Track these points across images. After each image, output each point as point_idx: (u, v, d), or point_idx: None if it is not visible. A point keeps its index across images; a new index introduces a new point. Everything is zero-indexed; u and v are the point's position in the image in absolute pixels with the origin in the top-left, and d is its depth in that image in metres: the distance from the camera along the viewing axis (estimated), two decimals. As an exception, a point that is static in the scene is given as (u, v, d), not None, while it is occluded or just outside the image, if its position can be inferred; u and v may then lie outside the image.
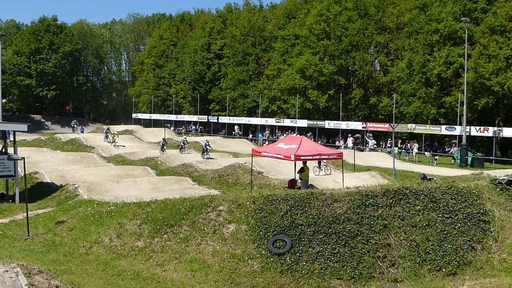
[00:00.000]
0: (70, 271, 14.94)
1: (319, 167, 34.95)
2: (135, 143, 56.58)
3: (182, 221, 17.94)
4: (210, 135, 71.86)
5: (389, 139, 52.57)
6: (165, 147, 47.75)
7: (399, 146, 51.74)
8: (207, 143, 42.97)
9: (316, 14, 63.68)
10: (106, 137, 56.05)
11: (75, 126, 76.84)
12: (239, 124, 73.85)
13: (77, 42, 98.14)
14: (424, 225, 15.83)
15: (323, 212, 16.38)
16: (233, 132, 73.39)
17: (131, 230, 18.48)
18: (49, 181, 31.28)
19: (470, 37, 47.38)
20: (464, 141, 45.02)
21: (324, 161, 33.93)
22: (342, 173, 30.68)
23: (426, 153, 51.26)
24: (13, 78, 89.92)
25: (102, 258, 17.00)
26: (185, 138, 52.31)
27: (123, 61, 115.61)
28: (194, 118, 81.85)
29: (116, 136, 55.75)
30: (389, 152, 48.87)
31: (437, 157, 47.79)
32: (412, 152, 49.65)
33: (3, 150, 28.42)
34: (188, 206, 18.55)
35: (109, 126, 56.79)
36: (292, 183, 28.68)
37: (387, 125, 54.45)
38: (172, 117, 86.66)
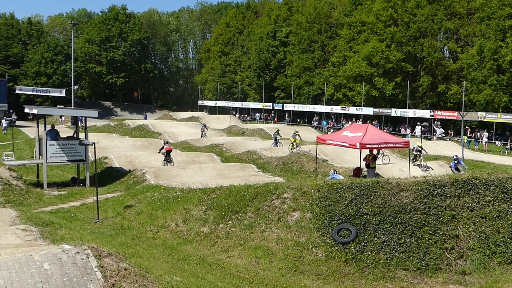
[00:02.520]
0: (137, 254, 15.29)
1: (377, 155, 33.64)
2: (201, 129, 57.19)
3: (246, 208, 18.05)
4: (275, 123, 71.89)
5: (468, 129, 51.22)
6: (204, 132, 48.18)
7: (468, 135, 50.31)
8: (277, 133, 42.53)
9: (384, 0, 62.43)
10: (202, 135, 49.35)
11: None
12: (302, 112, 73.58)
13: (145, 30, 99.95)
14: (494, 216, 15.37)
15: (389, 202, 16.15)
16: (298, 120, 73.10)
17: (196, 215, 18.73)
18: (118, 166, 32.08)
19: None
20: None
21: (382, 150, 32.61)
22: (408, 162, 30.11)
23: (497, 142, 49.60)
24: (84, 66, 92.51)
25: (169, 243, 17.32)
26: (278, 129, 45.54)
27: (190, 49, 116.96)
28: (259, 105, 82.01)
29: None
30: (458, 141, 47.63)
31: (508, 147, 46.20)
32: (481, 141, 48.20)
33: (75, 136, 29.33)
34: (252, 193, 18.64)
35: (205, 122, 51.90)
36: (357, 172, 28.37)
37: (456, 113, 53.04)
38: (238, 104, 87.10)
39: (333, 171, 26.53)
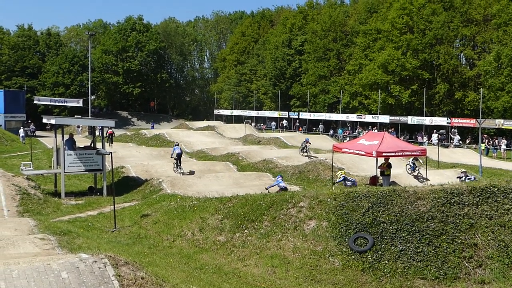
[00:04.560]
0: (154, 263, 15.33)
1: (413, 167, 31.94)
2: (217, 138, 57.24)
3: (263, 216, 18.03)
4: (290, 131, 71.84)
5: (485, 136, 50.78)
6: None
7: (486, 142, 49.96)
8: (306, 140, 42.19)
9: (399, 8, 62.38)
10: (303, 150, 41.11)
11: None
12: (321, 121, 73.42)
13: (161, 40, 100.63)
14: (514, 225, 15.21)
15: (406, 210, 16.04)
16: (314, 128, 73.04)
17: (213, 224, 18.75)
18: (135, 176, 32.22)
19: None
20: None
21: (414, 161, 31.75)
22: (425, 170, 29.93)
23: (515, 149, 49.23)
24: (101, 76, 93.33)
25: (185, 252, 17.35)
26: (308, 138, 43.56)
27: (206, 58, 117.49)
28: (275, 114, 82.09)
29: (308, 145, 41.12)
30: (475, 149, 47.26)
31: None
32: (500, 149, 47.78)
33: (92, 145, 29.52)
34: (269, 202, 18.62)
35: (307, 138, 43.07)
36: (373, 180, 28.23)
37: (473, 121, 52.65)
38: (253, 113, 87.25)
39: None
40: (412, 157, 30.99)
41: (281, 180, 25.81)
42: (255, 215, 18.19)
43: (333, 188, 23.68)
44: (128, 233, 19.63)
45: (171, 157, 33.95)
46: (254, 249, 16.80)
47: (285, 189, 24.49)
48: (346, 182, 26.03)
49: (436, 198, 16.09)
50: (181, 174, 32.41)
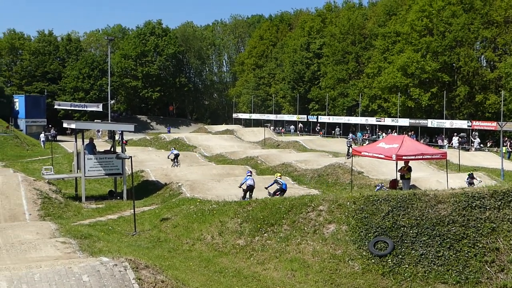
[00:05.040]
0: (174, 266, 15.38)
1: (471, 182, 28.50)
2: (236, 142, 57.37)
3: (282, 220, 18.01)
4: (309, 135, 71.76)
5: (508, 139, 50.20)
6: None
7: (508, 145, 49.40)
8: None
9: (418, 10, 61.99)
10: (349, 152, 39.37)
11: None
12: (339, 124, 73.22)
13: (180, 44, 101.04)
14: (536, 228, 15.02)
15: (426, 214, 15.93)
16: (333, 132, 72.90)
17: (232, 228, 18.76)
18: (154, 180, 32.37)
19: None
20: None
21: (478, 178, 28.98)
22: (446, 173, 29.67)
23: (538, 153, 48.58)
24: (120, 80, 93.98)
25: (205, 255, 17.38)
26: (353, 135, 42.25)
27: (224, 62, 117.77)
28: (294, 117, 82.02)
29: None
30: (497, 152, 46.75)
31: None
32: (522, 152, 47.26)
33: (112, 150, 29.73)
34: (288, 206, 18.60)
35: (352, 135, 41.19)
36: (393, 184, 28.07)
37: (494, 124, 52.14)
38: (272, 116, 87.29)
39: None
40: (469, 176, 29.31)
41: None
42: (275, 218, 18.18)
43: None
44: (148, 236, 19.72)
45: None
46: (273, 252, 16.79)
47: (251, 188, 24.35)
48: (277, 185, 24.88)
49: (457, 201, 15.95)
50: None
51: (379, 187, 26.58)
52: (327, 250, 16.16)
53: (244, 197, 24.75)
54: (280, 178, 25.63)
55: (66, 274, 11.16)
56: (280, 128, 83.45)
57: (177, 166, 37.24)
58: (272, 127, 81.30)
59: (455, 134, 55.72)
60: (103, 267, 11.55)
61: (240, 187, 24.99)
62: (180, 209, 22.89)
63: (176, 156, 38.02)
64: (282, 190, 24.55)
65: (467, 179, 28.22)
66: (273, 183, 25.06)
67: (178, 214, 21.97)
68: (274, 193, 24.41)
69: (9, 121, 63.43)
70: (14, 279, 10.83)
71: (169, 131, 77.18)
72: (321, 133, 73.17)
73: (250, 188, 24.26)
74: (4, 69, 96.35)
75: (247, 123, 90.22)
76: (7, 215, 22.03)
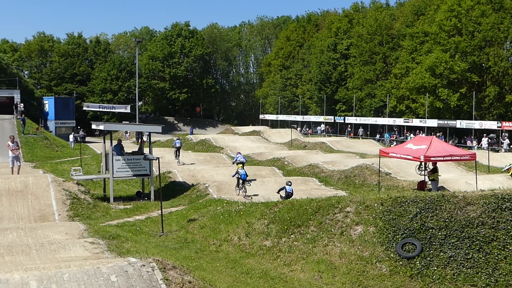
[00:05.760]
0: (201, 267, 15.44)
1: None
2: (262, 143, 57.37)
3: (309, 221, 17.97)
4: (337, 136, 71.44)
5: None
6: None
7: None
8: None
9: (447, 10, 61.28)
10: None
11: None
12: (364, 125, 72.78)
13: (207, 45, 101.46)
14: None
15: (455, 216, 15.75)
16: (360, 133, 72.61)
17: (259, 229, 18.77)
18: (181, 180, 32.54)
19: None
20: None
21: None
22: (475, 175, 29.31)
23: None
24: (148, 82, 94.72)
25: (231, 256, 17.41)
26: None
27: (251, 63, 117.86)
28: (320, 118, 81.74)
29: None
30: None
31: None
32: (553, 153, 46.42)
33: (139, 151, 29.96)
34: (315, 207, 18.54)
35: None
36: (421, 185, 27.83)
37: (525, 124, 51.35)
38: (299, 117, 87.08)
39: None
40: None
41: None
42: (301, 220, 18.14)
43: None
44: (175, 237, 19.83)
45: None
46: (300, 254, 16.76)
47: (289, 195, 24.32)
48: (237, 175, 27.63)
49: (487, 203, 15.74)
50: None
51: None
52: (354, 252, 16.08)
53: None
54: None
55: (95, 274, 11.28)
56: (307, 129, 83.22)
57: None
58: (298, 128, 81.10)
59: (485, 135, 54.96)
60: (131, 267, 11.65)
61: (278, 192, 24.93)
62: (207, 210, 22.98)
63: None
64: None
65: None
66: (282, 188, 24.88)
67: (205, 215, 22.06)
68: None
69: (39, 122, 64.31)
70: (44, 279, 10.98)
71: (191, 133, 77.44)
72: (351, 134, 72.56)
73: (288, 195, 24.25)
74: (34, 72, 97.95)
75: (274, 124, 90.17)
76: (37, 215, 22.35)
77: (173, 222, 22.31)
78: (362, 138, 66.39)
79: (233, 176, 28.64)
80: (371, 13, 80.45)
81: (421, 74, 61.49)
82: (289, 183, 24.88)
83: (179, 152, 39.50)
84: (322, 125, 79.67)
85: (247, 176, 28.12)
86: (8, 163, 30.57)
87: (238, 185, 28.17)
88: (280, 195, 24.35)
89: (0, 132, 52.30)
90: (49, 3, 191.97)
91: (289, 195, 23.88)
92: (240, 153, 33.28)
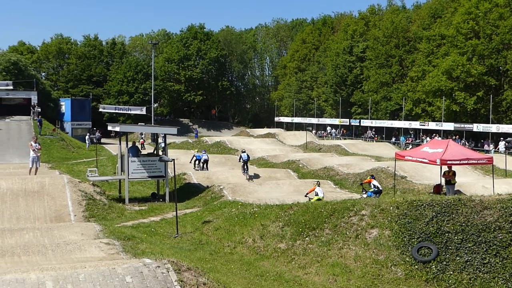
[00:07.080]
0: (216, 269, 15.45)
1: None
2: (277, 146, 57.38)
3: (324, 224, 17.91)
4: (352, 139, 71.20)
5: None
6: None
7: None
8: None
9: (464, 13, 60.85)
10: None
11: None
12: (372, 127, 72.48)
13: (222, 48, 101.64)
14: None
15: (471, 220, 15.61)
16: (363, 135, 72.35)
17: (273, 232, 18.75)
18: (196, 182, 32.62)
19: None
20: None
21: None
22: (492, 179, 29.05)
23: None
24: (164, 84, 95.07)
25: (246, 258, 17.41)
26: None
27: (266, 66, 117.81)
28: (336, 121, 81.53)
29: None
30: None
31: None
32: None
33: (155, 152, 30.07)
34: (330, 210, 18.48)
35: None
36: (437, 189, 27.64)
37: (543, 128, 50.81)
38: (314, 120, 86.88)
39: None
40: None
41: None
42: (316, 222, 18.09)
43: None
44: (190, 239, 19.87)
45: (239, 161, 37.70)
46: (315, 257, 16.71)
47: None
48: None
49: (504, 207, 15.58)
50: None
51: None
52: (369, 255, 16.00)
53: None
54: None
55: (110, 275, 11.33)
56: (322, 132, 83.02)
57: (247, 176, 34.59)
58: (314, 131, 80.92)
59: (502, 138, 54.49)
60: (146, 268, 11.68)
61: (306, 196, 25.01)
62: (221, 212, 23.01)
63: (245, 162, 35.17)
64: (245, 162, 34.19)
65: None
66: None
67: (220, 217, 22.09)
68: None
69: (56, 123, 64.76)
70: (59, 279, 11.04)
71: (196, 136, 77.21)
72: (376, 138, 71.78)
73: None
74: (51, 73, 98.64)
75: (289, 127, 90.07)
76: (53, 216, 22.52)
77: (188, 223, 22.36)
78: (369, 141, 66.03)
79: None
80: (388, 16, 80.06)
81: (437, 77, 61.09)
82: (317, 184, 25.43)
83: (247, 166, 35.32)
84: (331, 129, 79.34)
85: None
86: (27, 164, 30.87)
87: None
88: (309, 198, 24.43)
89: (17, 134, 52.81)
90: (67, 5, 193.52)
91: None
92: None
